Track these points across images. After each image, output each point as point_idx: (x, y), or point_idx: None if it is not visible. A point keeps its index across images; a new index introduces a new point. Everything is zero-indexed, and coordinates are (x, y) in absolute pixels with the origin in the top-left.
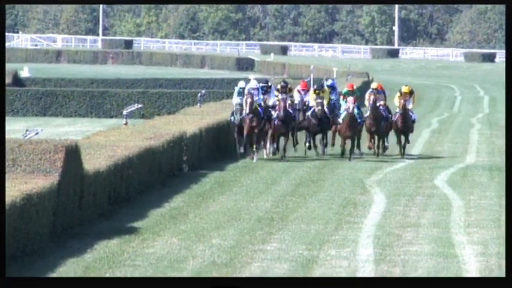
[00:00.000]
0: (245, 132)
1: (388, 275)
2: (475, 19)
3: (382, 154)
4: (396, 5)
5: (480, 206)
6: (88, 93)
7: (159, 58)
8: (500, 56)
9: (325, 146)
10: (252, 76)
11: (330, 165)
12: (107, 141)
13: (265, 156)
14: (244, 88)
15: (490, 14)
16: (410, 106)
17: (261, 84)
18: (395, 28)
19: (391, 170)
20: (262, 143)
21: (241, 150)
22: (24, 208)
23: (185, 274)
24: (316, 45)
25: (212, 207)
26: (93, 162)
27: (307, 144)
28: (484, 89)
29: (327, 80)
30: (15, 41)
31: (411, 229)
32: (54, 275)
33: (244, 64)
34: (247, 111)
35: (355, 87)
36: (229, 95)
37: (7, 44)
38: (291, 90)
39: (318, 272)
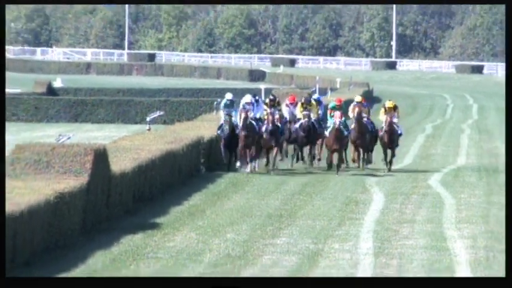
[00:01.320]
0: (240, 146)
1: (386, 267)
2: (465, 34)
3: (365, 167)
4: (394, 22)
5: (470, 203)
6: (115, 102)
7: (179, 70)
8: (488, 68)
9: (313, 158)
10: (262, 86)
11: (332, 168)
12: (132, 145)
13: (248, 170)
14: (230, 100)
15: (479, 30)
16: (395, 120)
17: (257, 98)
18: (393, 43)
19: (389, 171)
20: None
21: (238, 163)
22: (57, 206)
23: (202, 266)
24: (321, 58)
25: (227, 204)
26: (120, 164)
27: (295, 157)
28: (473, 98)
29: (314, 93)
30: (50, 54)
31: (407, 225)
32: (84, 266)
33: (256, 75)
34: (241, 126)
35: (342, 102)
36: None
37: (42, 57)
38: (279, 103)
39: (322, 264)
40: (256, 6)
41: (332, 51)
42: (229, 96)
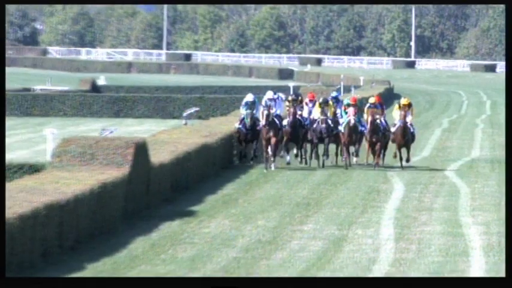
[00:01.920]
0: (264, 142)
1: (405, 252)
2: (479, 36)
3: (379, 165)
4: (413, 24)
5: (483, 192)
6: (154, 98)
7: (213, 69)
8: (500, 67)
9: (327, 156)
10: (291, 84)
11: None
12: (170, 139)
13: (272, 168)
14: (251, 101)
15: (492, 32)
16: (409, 118)
17: (277, 96)
18: (412, 43)
19: (410, 162)
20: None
21: (251, 157)
22: (101, 195)
23: (235, 250)
24: (345, 57)
25: (258, 194)
26: (158, 156)
27: (312, 155)
28: (487, 95)
29: (339, 91)
30: (94, 54)
31: (425, 212)
32: (125, 251)
33: (285, 74)
34: (263, 123)
35: (357, 100)
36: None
37: (87, 57)
38: (301, 102)
39: (347, 249)
40: (285, 10)
41: (355, 51)
42: (250, 97)
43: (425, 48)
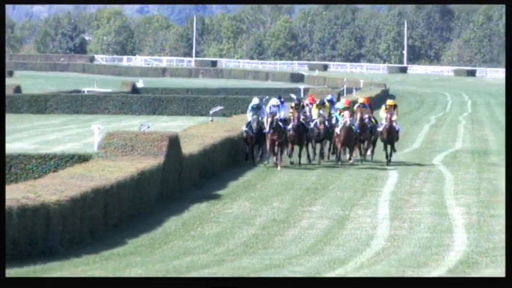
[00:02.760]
0: (268, 145)
1: (399, 229)
2: (462, 45)
3: (367, 160)
4: (405, 35)
5: (465, 179)
6: (184, 99)
7: (235, 73)
8: (480, 72)
9: (323, 154)
10: (301, 86)
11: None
12: (198, 133)
13: (278, 169)
14: (257, 104)
15: (472, 42)
16: (394, 118)
17: (282, 100)
18: (405, 52)
19: (401, 153)
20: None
21: (258, 159)
22: (140, 181)
23: (254, 228)
24: (348, 64)
25: (273, 180)
26: (188, 147)
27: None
28: (468, 96)
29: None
30: (133, 61)
31: (416, 195)
32: (160, 228)
33: (296, 77)
34: (268, 129)
35: (350, 103)
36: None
37: (128, 64)
38: (303, 107)
39: (349, 227)
40: (297, 23)
41: (356, 59)
42: (256, 101)
43: (416, 56)
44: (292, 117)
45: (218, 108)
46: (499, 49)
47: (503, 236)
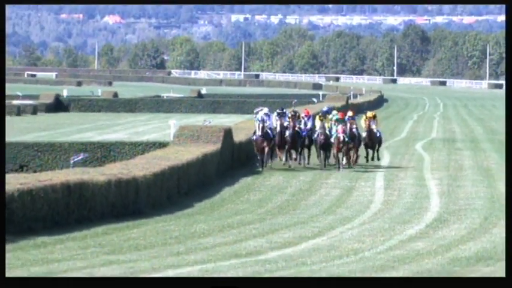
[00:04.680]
0: (258, 150)
1: (391, 196)
2: (436, 63)
3: (355, 164)
4: (395, 56)
5: (439, 159)
6: (236, 102)
7: (272, 83)
8: (449, 82)
9: (326, 159)
10: (320, 92)
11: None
12: (246, 126)
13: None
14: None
15: (444, 61)
16: (374, 126)
17: (278, 111)
18: (395, 68)
19: (393, 141)
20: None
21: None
22: (203, 161)
23: (286, 195)
24: (354, 76)
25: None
26: (239, 137)
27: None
28: (440, 99)
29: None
30: (199, 74)
31: (403, 171)
32: (218, 195)
33: (317, 86)
34: (259, 133)
35: (344, 115)
36: (306, 102)
37: (195, 76)
38: (299, 117)
39: (355, 194)
40: (317, 46)
41: (360, 72)
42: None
43: (403, 71)
44: (288, 126)
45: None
46: (462, 66)
47: (467, 201)
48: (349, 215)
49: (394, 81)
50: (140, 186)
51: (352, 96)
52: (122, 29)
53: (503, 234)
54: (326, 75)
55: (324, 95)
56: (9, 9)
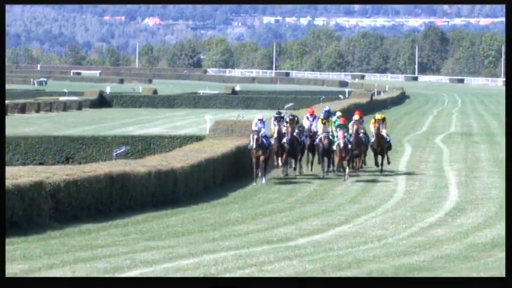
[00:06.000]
0: (254, 160)
1: (413, 186)
2: (455, 62)
3: (360, 170)
4: (416, 55)
5: (457, 152)
6: (267, 98)
7: (302, 81)
8: (466, 80)
9: (328, 166)
10: (346, 89)
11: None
12: None
13: (264, 181)
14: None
15: (462, 60)
16: (384, 130)
17: (275, 115)
18: (416, 66)
19: (414, 134)
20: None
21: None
22: (237, 153)
23: (315, 185)
24: (378, 74)
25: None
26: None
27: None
28: (459, 96)
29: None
30: (232, 72)
31: (423, 163)
32: (251, 186)
33: (343, 83)
34: (254, 146)
35: (346, 121)
36: (333, 99)
37: (229, 74)
38: (298, 121)
39: (378, 184)
40: (343, 46)
41: (383, 71)
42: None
43: (423, 69)
44: (286, 132)
45: (290, 104)
46: (479, 64)
47: (483, 191)
48: (373, 203)
49: (415, 79)
50: (178, 177)
51: (376, 93)
52: (161, 30)
53: None
54: (352, 73)
55: (349, 92)
56: (56, 12)
